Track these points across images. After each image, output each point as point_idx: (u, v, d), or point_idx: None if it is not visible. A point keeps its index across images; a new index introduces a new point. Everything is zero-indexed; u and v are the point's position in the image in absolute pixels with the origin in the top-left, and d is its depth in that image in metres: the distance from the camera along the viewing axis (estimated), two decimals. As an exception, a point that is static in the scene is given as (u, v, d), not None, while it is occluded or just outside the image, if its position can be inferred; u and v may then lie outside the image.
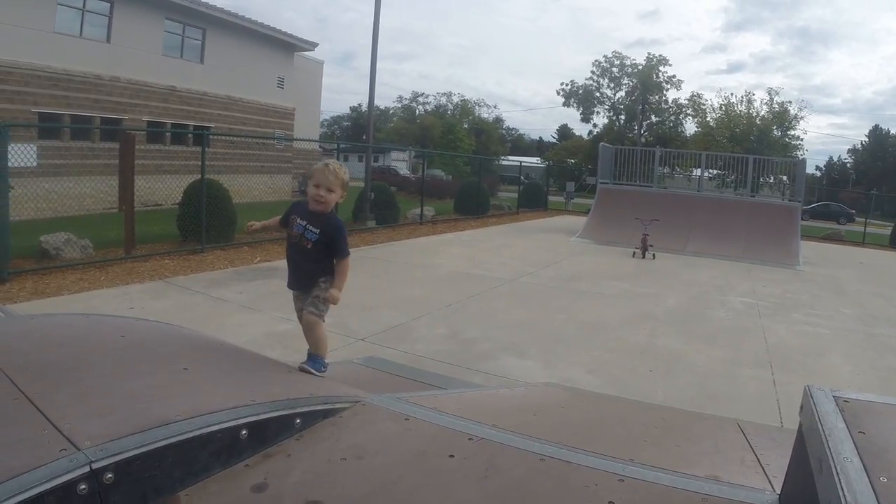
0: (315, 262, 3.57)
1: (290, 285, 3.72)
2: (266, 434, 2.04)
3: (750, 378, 7.50)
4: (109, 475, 1.57)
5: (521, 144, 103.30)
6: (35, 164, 17.51)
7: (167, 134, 27.75)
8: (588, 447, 2.07)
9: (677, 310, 10.98)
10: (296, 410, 2.19)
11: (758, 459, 2.23)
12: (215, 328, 7.87)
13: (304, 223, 3.56)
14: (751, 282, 14.59)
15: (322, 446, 2.08)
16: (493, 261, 15.58)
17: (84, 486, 1.52)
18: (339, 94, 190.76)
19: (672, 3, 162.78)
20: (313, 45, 38.45)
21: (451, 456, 2.00)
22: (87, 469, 1.54)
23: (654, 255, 17.71)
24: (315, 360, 3.43)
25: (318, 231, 3.53)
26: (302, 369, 3.28)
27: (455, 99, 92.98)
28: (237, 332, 7.89)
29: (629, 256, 17.74)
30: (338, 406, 2.37)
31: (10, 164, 11.07)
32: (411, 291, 11.32)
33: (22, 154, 13.89)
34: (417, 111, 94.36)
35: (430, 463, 2.00)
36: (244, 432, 1.96)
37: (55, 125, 22.16)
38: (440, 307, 10.10)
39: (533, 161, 64.15)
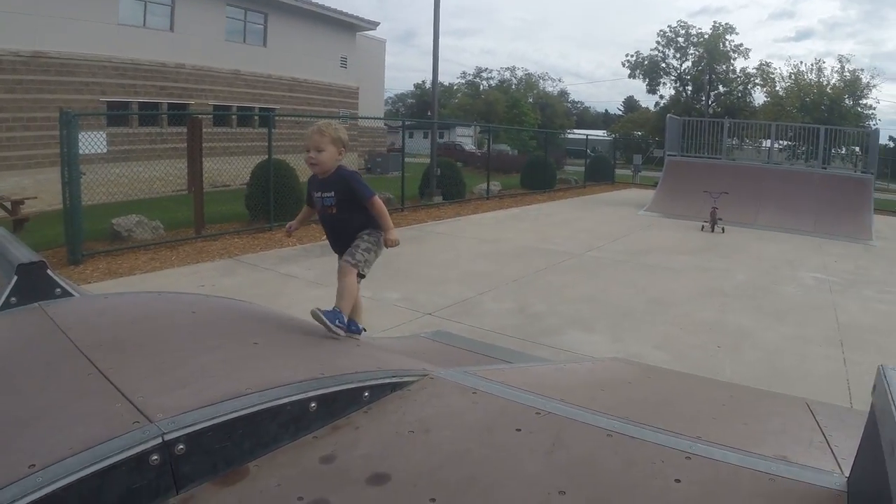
0: (348, 220, 3.46)
1: (334, 249, 3.61)
2: (335, 407, 2.06)
3: (820, 356, 7.32)
4: (181, 446, 1.61)
5: (586, 117, 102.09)
6: (105, 150, 17.90)
7: (233, 117, 28.12)
8: (655, 423, 2.05)
9: (746, 285, 10.78)
10: (364, 384, 2.20)
11: (826, 441, 2.19)
12: (284, 304, 7.97)
13: (320, 193, 3.46)
14: (822, 257, 14.24)
15: (390, 419, 2.09)
16: (560, 235, 15.49)
17: (156, 457, 1.56)
18: (402, 71, 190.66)
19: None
20: (374, 25, 38.53)
21: (518, 430, 1.99)
22: (159, 440, 1.58)
23: (723, 229, 17.39)
24: (335, 311, 3.17)
25: (332, 193, 3.42)
26: (314, 314, 3.08)
27: (519, 73, 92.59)
28: (306, 308, 7.88)
29: (698, 230, 17.46)
30: (406, 379, 2.38)
31: (81, 151, 11.35)
32: (478, 266, 11.32)
33: (92, 141, 14.22)
34: (481, 87, 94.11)
35: (496, 437, 2.00)
36: (313, 405, 1.98)
37: (123, 113, 22.66)
38: (507, 282, 10.08)
39: (599, 134, 63.40)
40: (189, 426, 1.65)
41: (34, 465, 1.44)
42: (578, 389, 2.83)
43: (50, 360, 2.20)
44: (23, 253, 3.19)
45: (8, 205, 15.31)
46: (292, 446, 1.86)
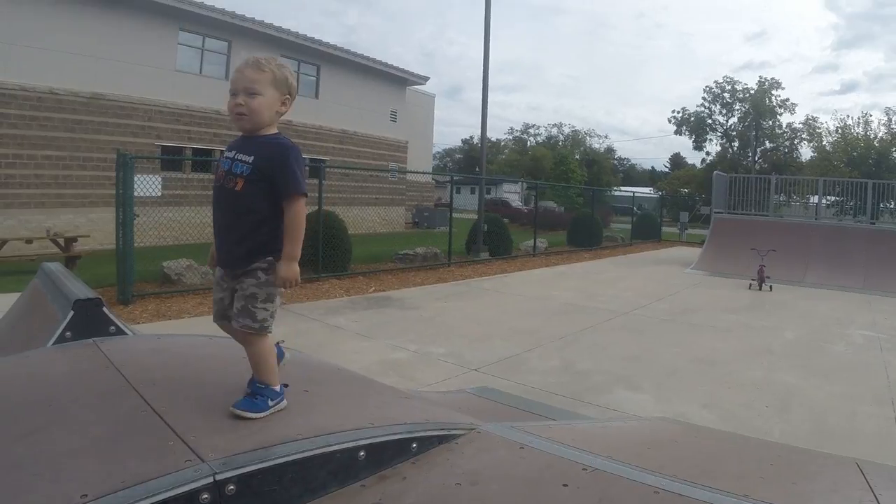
0: (248, 210, 2.33)
1: (218, 262, 2.48)
2: (383, 456, 2.06)
3: (870, 416, 7.12)
4: (231, 487, 1.62)
5: (632, 174, 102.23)
6: (159, 194, 18.27)
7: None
8: (702, 481, 2.02)
9: (795, 343, 10.58)
10: (412, 435, 2.21)
11: (877, 500, 2.14)
12: (331, 354, 7.98)
13: (233, 154, 2.40)
14: (872, 314, 13.98)
15: (437, 471, 2.09)
16: (606, 293, 15.35)
17: (207, 496, 1.58)
18: (450, 126, 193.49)
19: (779, 23, 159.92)
20: (425, 79, 39.04)
21: (565, 485, 1.97)
22: (210, 480, 1.60)
23: (770, 287, 17.14)
24: (258, 391, 2.24)
25: (250, 159, 2.33)
26: (232, 414, 2.11)
27: (566, 129, 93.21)
28: (352, 359, 8.00)
29: (745, 288, 17.24)
30: (454, 432, 2.38)
31: (135, 193, 11.56)
32: (524, 323, 11.23)
33: (147, 184, 14.53)
34: (528, 143, 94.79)
35: (543, 491, 1.98)
36: (362, 454, 1.99)
37: (178, 157, 23.12)
38: (553, 339, 9.99)
39: (645, 191, 63.37)
40: (240, 467, 1.67)
41: (86, 496, 1.47)
42: (625, 447, 2.80)
43: (104, 395, 2.24)
44: (79, 289, 3.26)
45: (61, 241, 15.65)
46: (340, 493, 1.87)
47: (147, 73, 22.22)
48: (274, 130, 2.45)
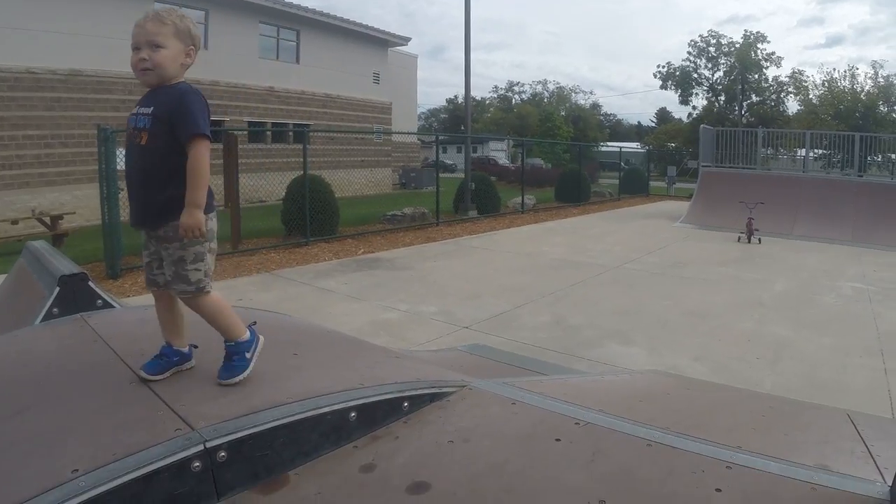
0: (156, 170, 2.24)
1: (133, 222, 2.41)
2: (374, 417, 2.07)
3: (860, 367, 7.14)
4: (222, 454, 1.62)
5: (619, 130, 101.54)
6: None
7: (268, 133, 28.33)
8: (695, 433, 2.03)
9: (785, 296, 10.61)
10: (403, 394, 2.21)
11: (868, 450, 2.16)
12: (322, 317, 7.97)
13: (136, 110, 2.32)
14: (861, 265, 13.98)
15: (429, 429, 2.09)
16: (595, 248, 15.34)
17: (198, 464, 1.58)
18: (433, 86, 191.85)
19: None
20: (406, 40, 38.75)
21: (558, 440, 1.98)
22: (201, 447, 1.60)
23: (759, 240, 17.14)
24: (231, 351, 2.23)
25: (149, 110, 2.26)
26: (221, 385, 2.10)
27: (551, 86, 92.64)
28: (343, 321, 8.00)
29: (734, 241, 17.22)
30: (445, 390, 2.38)
31: (118, 167, 11.46)
32: (514, 279, 11.23)
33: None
34: (513, 100, 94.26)
35: (536, 446, 1.99)
36: (353, 415, 1.99)
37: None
38: (544, 295, 10.00)
39: (632, 146, 63.12)
40: (230, 434, 1.67)
41: (77, 470, 1.47)
42: (617, 400, 2.81)
43: (93, 369, 2.24)
44: (64, 265, 3.24)
45: (47, 220, 15.56)
46: (333, 455, 1.87)
47: (125, 48, 21.40)
48: (179, 80, 2.38)
